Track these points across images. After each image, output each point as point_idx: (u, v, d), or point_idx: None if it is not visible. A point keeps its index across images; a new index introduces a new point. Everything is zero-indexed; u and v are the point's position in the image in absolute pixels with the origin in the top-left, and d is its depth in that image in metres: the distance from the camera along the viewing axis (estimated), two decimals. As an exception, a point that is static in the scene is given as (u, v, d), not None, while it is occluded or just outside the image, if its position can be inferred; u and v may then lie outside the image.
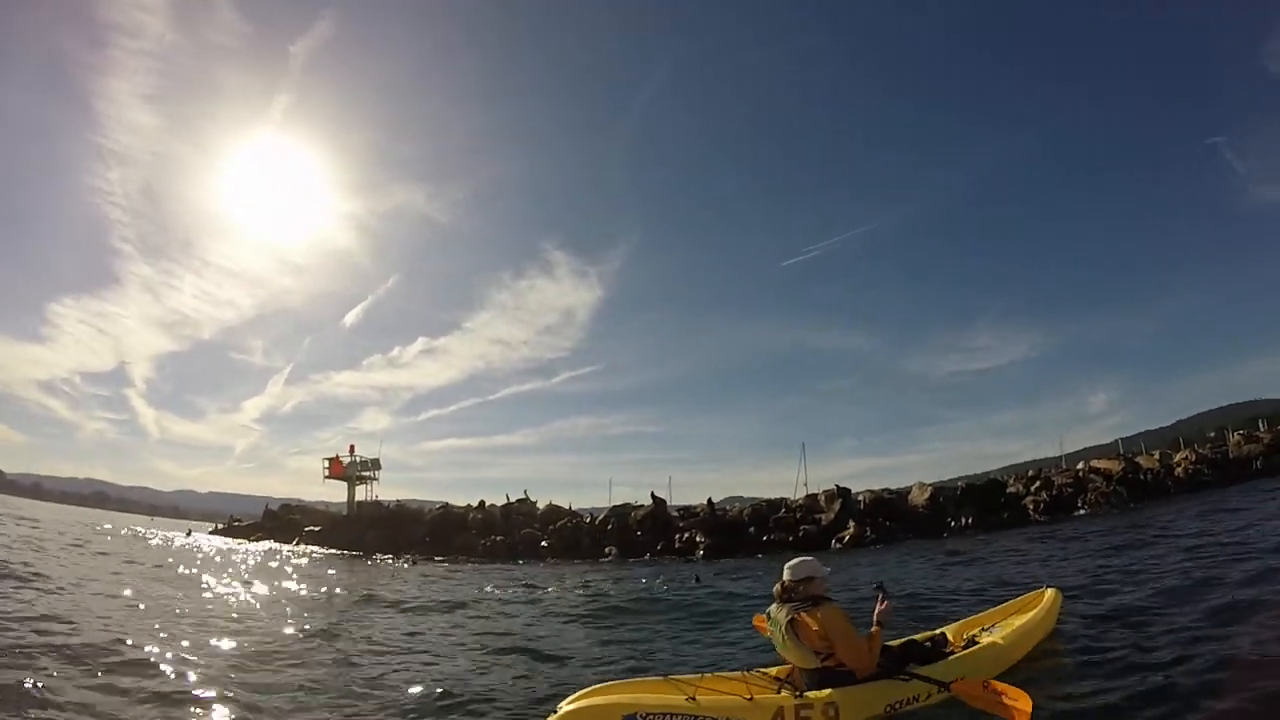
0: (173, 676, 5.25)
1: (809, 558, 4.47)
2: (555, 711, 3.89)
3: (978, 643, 4.88)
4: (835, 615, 4.09)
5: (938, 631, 5.28)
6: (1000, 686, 3.86)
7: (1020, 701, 3.67)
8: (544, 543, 24.76)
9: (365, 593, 12.38)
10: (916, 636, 4.90)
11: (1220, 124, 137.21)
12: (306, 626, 8.00)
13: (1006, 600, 5.93)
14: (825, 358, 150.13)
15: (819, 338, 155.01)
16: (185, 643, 6.50)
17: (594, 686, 4.21)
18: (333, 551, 27.84)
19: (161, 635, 6.84)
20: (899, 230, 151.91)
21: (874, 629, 4.24)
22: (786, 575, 4.33)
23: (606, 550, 23.53)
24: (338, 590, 12.89)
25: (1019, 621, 5.20)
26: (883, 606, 4.38)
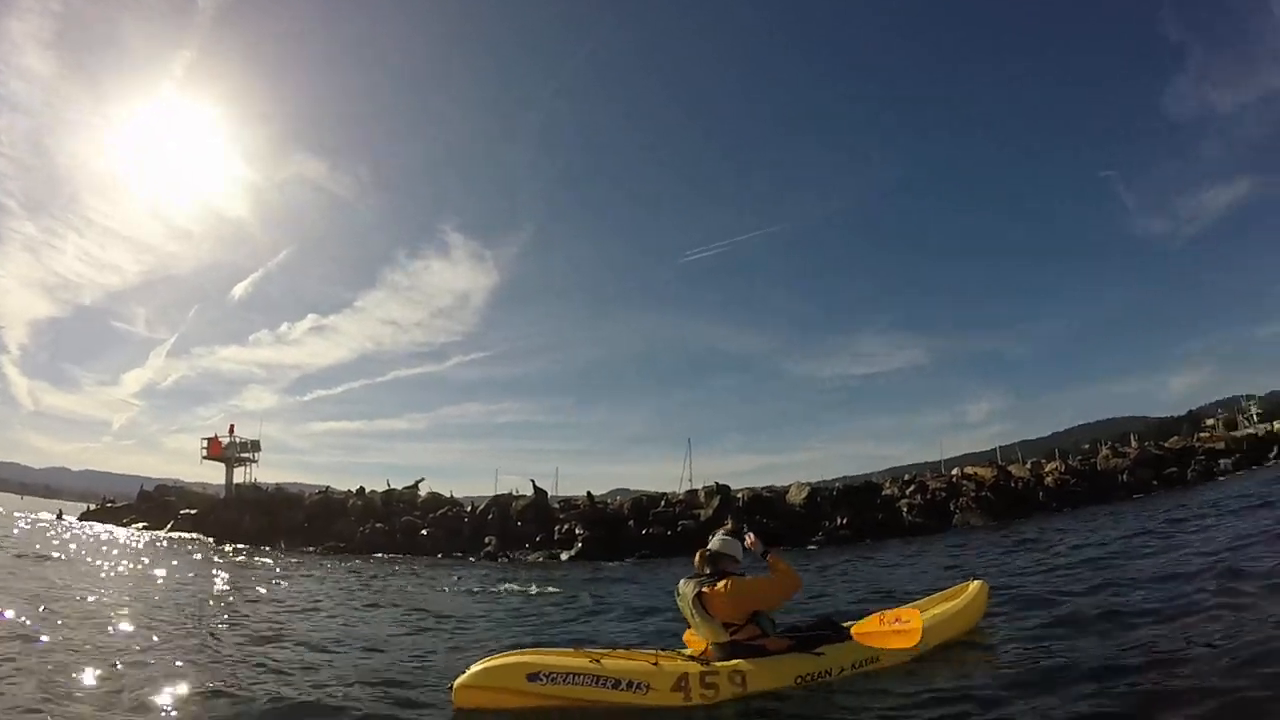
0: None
1: (734, 539, 4.54)
2: (464, 672, 3.98)
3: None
4: (740, 579, 4.20)
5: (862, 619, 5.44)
6: (895, 613, 4.06)
7: (913, 620, 3.92)
8: (424, 531, 24.00)
9: (226, 589, 11.40)
10: (841, 624, 4.99)
11: (1114, 159, 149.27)
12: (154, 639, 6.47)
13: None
14: (719, 355, 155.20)
15: (714, 334, 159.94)
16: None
17: (503, 653, 4.29)
18: (198, 537, 26.36)
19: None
20: (800, 235, 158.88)
21: (768, 559, 4.34)
22: (712, 545, 4.45)
23: (486, 540, 22.97)
24: (190, 587, 11.66)
25: (939, 610, 5.30)
26: (752, 538, 4.48)
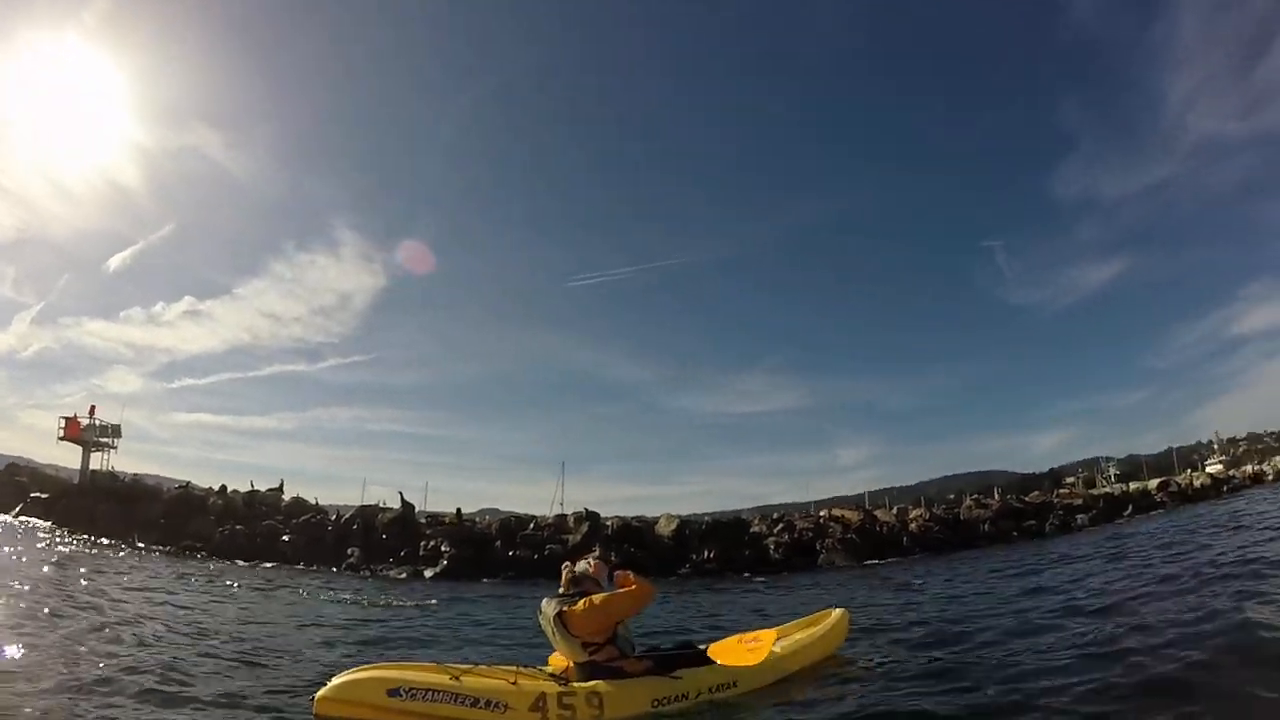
0: None
1: (601, 563, 4.63)
2: (325, 685, 3.96)
3: None
4: (596, 595, 4.24)
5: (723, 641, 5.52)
6: (752, 635, 4.20)
7: (765, 639, 4.08)
8: (286, 537, 23.12)
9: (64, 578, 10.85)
10: (698, 645, 5.02)
11: (999, 230, 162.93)
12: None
13: None
14: (599, 382, 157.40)
15: (596, 361, 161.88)
16: None
17: (362, 666, 4.25)
18: (47, 523, 24.65)
19: None
20: (692, 273, 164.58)
21: (645, 660, 4.39)
22: (579, 566, 4.53)
23: (350, 552, 22.30)
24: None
25: (801, 635, 5.44)
26: (595, 564, 4.57)
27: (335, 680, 4.01)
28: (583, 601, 4.20)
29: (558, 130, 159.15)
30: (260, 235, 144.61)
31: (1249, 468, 51.51)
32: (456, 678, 4.01)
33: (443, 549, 21.76)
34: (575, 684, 4.15)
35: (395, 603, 12.36)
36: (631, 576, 4.37)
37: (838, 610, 5.87)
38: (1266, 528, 12.45)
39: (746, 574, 21.92)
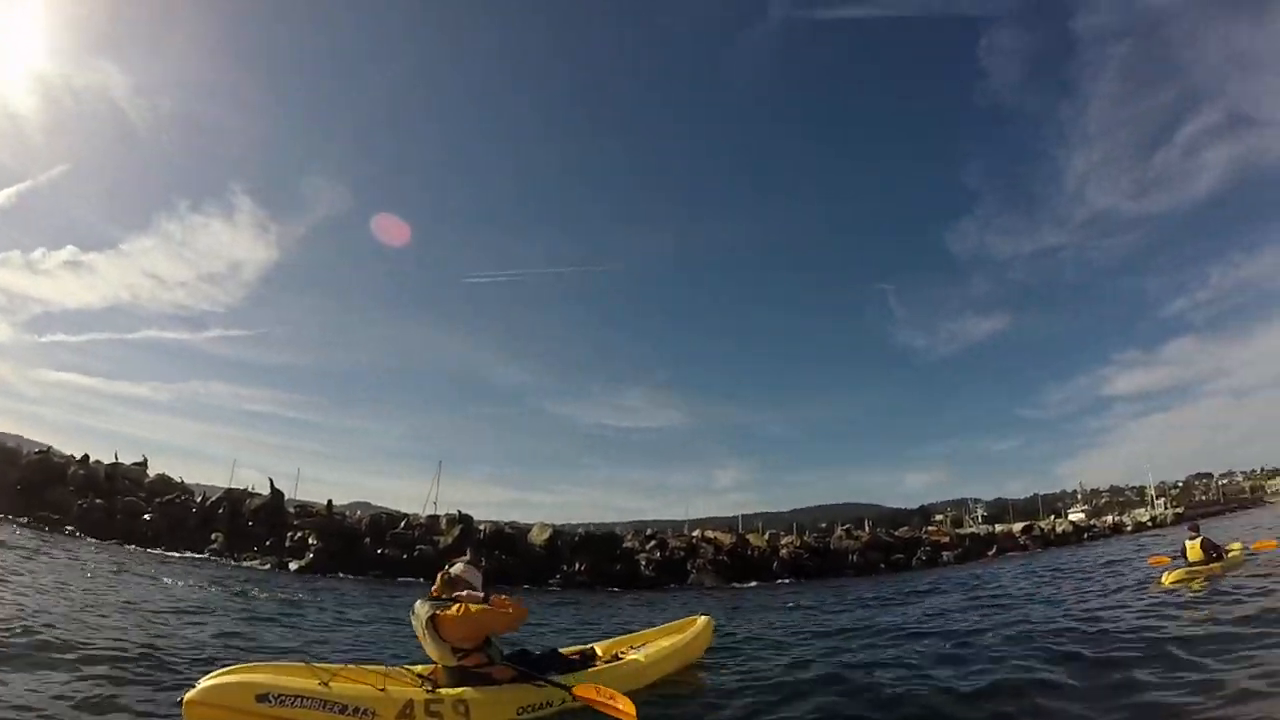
0: None
1: (477, 570, 4.68)
2: (193, 686, 3.88)
3: (621, 658, 5.20)
4: (472, 606, 4.27)
5: (588, 646, 5.54)
6: (611, 692, 4.20)
7: (626, 706, 4.03)
8: (147, 516, 22.43)
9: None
10: (563, 649, 5.06)
11: (894, 274, 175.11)
12: None
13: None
14: (484, 383, 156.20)
15: (483, 361, 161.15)
16: None
17: (232, 667, 4.18)
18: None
19: None
20: (592, 281, 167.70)
21: (512, 667, 4.45)
22: (453, 570, 4.55)
23: (213, 537, 21.81)
24: None
25: (666, 643, 5.53)
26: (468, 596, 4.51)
27: (203, 683, 3.96)
28: (457, 608, 4.26)
29: (470, 122, 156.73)
30: (155, 190, 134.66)
31: (1110, 518, 56.00)
32: (325, 683, 4.03)
33: (310, 541, 21.54)
34: (443, 690, 4.24)
35: (261, 595, 12.19)
36: (508, 600, 4.49)
37: (703, 618, 6.09)
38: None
39: (616, 588, 22.40)
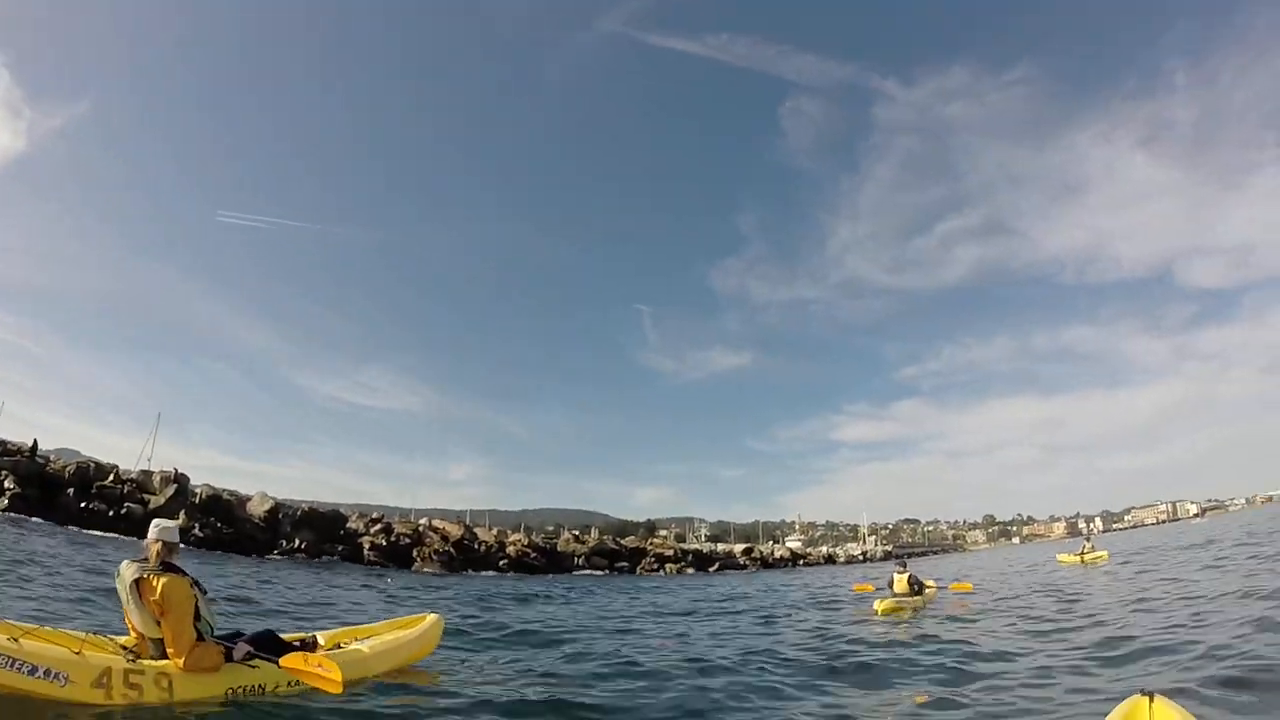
0: None
1: (174, 525, 4.37)
2: None
3: (342, 648, 5.05)
4: (178, 587, 3.94)
5: (310, 635, 5.24)
6: (320, 659, 4.05)
7: (333, 672, 3.89)
8: None
9: None
10: (285, 635, 4.78)
11: (652, 298, 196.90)
12: None
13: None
14: (218, 335, 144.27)
15: (219, 311, 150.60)
16: None
17: None
18: None
19: None
20: (351, 243, 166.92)
21: (221, 646, 4.10)
22: (152, 534, 4.13)
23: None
24: None
25: (392, 637, 5.42)
26: (246, 650, 4.22)
27: None
28: (166, 580, 3.91)
29: (247, 61, 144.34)
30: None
31: (824, 549, 65.57)
32: (16, 639, 3.60)
33: (6, 485, 21.07)
34: (145, 661, 3.88)
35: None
36: (214, 653, 4.08)
37: (432, 616, 5.91)
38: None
39: (341, 565, 22.89)
